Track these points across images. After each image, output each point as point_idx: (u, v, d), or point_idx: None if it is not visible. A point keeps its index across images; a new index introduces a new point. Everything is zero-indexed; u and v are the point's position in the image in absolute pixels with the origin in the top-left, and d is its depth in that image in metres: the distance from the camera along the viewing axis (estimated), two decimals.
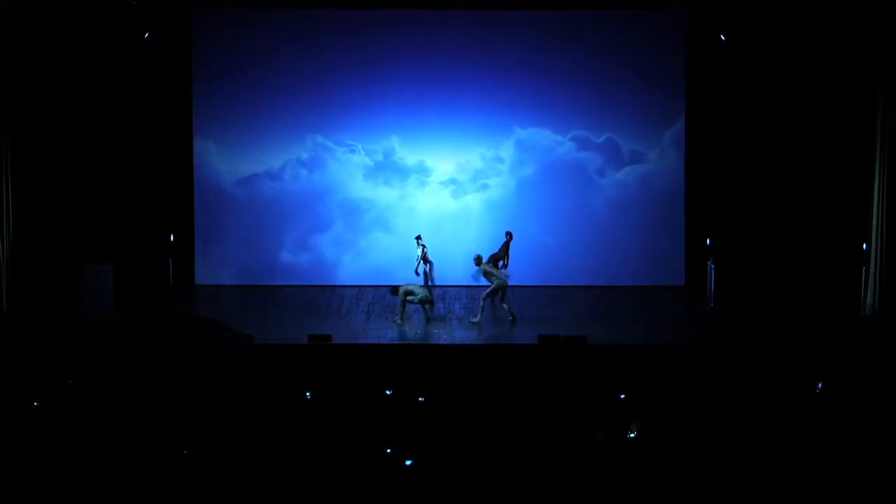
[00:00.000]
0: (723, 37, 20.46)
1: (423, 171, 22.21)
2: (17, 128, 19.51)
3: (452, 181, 22.27)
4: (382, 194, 22.23)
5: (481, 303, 18.70)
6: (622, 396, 12.31)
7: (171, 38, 21.09)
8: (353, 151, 22.21)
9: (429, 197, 22.24)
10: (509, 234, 19.78)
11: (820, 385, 12.79)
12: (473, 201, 22.24)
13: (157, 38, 20.56)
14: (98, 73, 20.74)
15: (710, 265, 20.33)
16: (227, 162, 21.97)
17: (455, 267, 21.84)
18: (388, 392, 12.53)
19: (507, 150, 22.12)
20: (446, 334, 17.84)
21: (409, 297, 18.44)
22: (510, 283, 18.91)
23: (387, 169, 22.22)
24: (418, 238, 20.05)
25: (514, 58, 21.73)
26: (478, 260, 18.87)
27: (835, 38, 19.87)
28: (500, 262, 19.31)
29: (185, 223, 21.82)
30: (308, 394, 12.53)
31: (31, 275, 19.74)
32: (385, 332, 18.01)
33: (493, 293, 18.64)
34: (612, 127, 21.95)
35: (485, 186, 22.21)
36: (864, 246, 19.42)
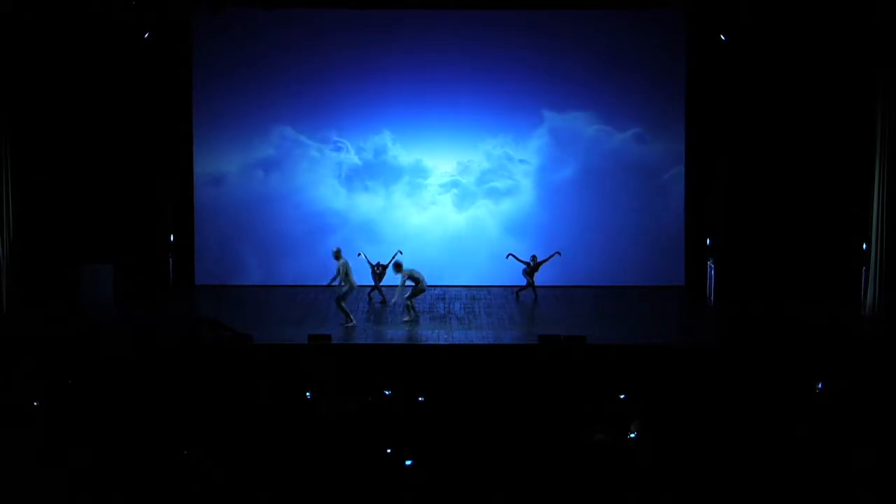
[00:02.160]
0: (723, 37, 20.47)
1: (420, 171, 22.16)
2: (16, 128, 19.51)
3: (455, 184, 22.21)
4: (366, 201, 22.18)
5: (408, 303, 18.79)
6: (622, 396, 12.31)
7: (172, 39, 21.09)
8: (339, 150, 22.13)
9: (427, 203, 22.20)
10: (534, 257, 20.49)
11: (820, 385, 12.79)
12: (481, 208, 22.17)
13: (157, 38, 20.58)
14: (98, 73, 20.74)
15: (710, 265, 20.33)
16: (226, 161, 21.99)
17: (455, 267, 21.87)
18: (386, 392, 12.51)
19: (507, 149, 22.12)
20: (446, 334, 17.84)
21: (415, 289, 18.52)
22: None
23: (376, 168, 22.17)
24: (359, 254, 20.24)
25: (512, 56, 21.73)
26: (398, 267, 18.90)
27: (835, 38, 19.87)
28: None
29: (185, 223, 21.82)
30: (308, 394, 12.53)
31: (32, 274, 19.76)
32: (385, 332, 18.02)
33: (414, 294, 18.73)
34: (610, 127, 21.95)
35: (493, 191, 22.15)
36: (864, 246, 19.43)
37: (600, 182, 22.02)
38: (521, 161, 22.12)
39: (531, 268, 20.43)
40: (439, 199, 22.23)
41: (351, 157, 22.14)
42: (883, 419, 11.38)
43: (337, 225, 22.08)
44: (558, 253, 20.60)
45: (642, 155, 21.96)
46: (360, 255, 20.21)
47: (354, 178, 22.13)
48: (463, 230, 22.18)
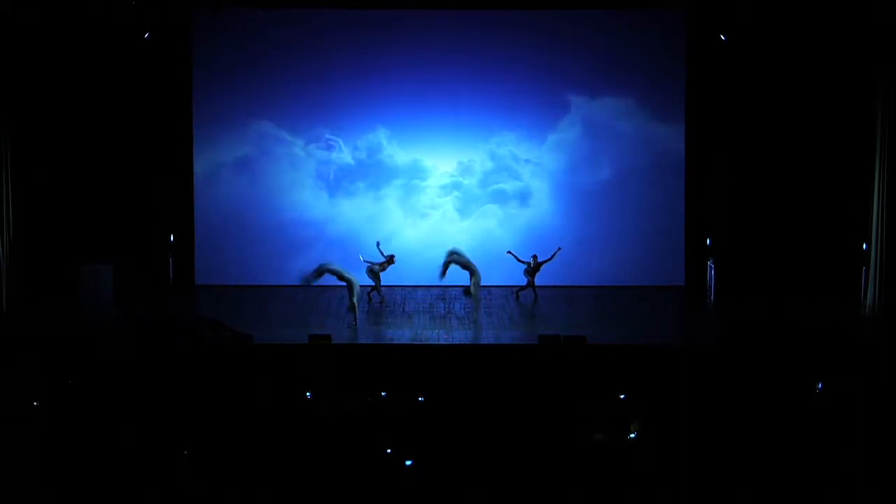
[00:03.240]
0: (723, 37, 20.47)
1: (418, 171, 22.13)
2: (16, 128, 19.52)
3: (456, 185, 22.13)
4: (364, 202, 22.13)
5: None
6: (622, 396, 12.32)
7: (172, 39, 21.08)
8: (333, 149, 22.09)
9: (426, 207, 22.16)
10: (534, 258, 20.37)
11: (820, 385, 12.79)
12: (489, 216, 22.01)
13: (157, 38, 20.58)
14: (98, 73, 20.74)
15: (710, 265, 20.33)
16: (226, 161, 21.97)
17: (455, 267, 21.82)
18: (382, 394, 12.51)
19: (508, 149, 22.09)
20: (446, 334, 17.84)
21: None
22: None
23: (377, 169, 22.12)
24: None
25: (512, 56, 21.65)
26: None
27: (835, 38, 19.87)
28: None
29: (185, 223, 21.81)
30: (308, 394, 12.54)
31: (32, 274, 19.77)
32: (385, 332, 18.02)
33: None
34: (610, 126, 21.91)
35: (499, 193, 22.08)
36: (864, 246, 19.43)
37: (600, 181, 21.99)
38: (527, 161, 22.01)
39: (531, 268, 20.40)
40: (439, 202, 22.16)
41: (345, 157, 22.07)
42: (883, 419, 11.39)
43: (339, 225, 22.01)
44: (559, 249, 20.50)
45: (642, 154, 21.92)
46: (360, 258, 20.16)
47: (348, 178, 22.06)
48: (466, 236, 22.03)
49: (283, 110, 21.91)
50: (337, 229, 21.97)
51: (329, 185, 22.05)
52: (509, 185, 22.10)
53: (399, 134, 22.01)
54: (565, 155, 22.01)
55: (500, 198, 22.08)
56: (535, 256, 20.45)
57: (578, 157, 22.02)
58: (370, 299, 20.31)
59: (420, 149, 22.03)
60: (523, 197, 22.07)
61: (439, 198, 22.15)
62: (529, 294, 20.46)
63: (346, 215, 22.05)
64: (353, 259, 20.24)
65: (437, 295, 20.88)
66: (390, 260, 20.13)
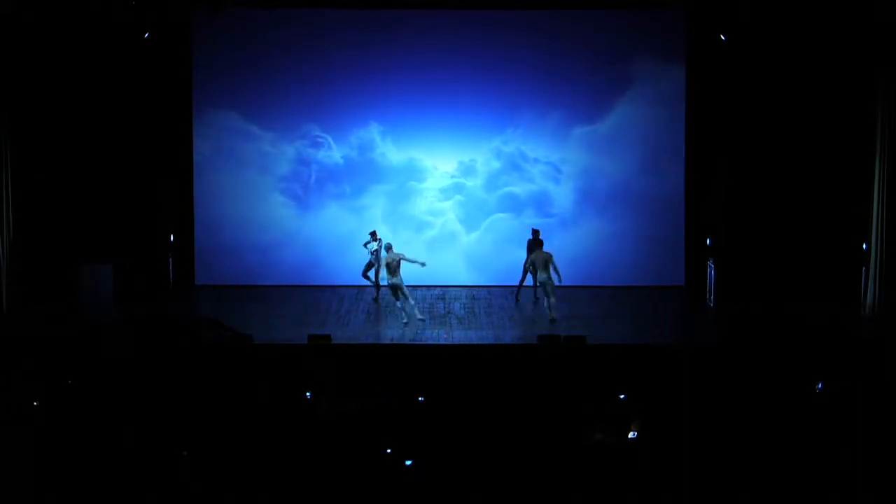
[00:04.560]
0: (723, 37, 20.47)
1: (418, 171, 22.11)
2: (16, 128, 19.51)
3: (457, 188, 22.08)
4: (365, 203, 22.18)
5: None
6: (622, 396, 12.31)
7: (172, 39, 21.08)
8: (317, 146, 22.04)
9: (425, 213, 22.13)
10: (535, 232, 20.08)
11: (820, 385, 12.79)
12: (492, 224, 22.05)
13: (157, 38, 20.58)
14: (98, 73, 20.74)
15: (710, 265, 20.33)
16: (226, 161, 21.97)
17: (455, 267, 21.84)
18: (389, 402, 12.49)
19: (504, 149, 22.09)
20: (446, 334, 17.84)
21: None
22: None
23: (380, 170, 22.09)
24: (373, 234, 20.01)
25: (513, 56, 21.64)
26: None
27: (835, 38, 19.87)
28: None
29: (185, 223, 21.81)
30: (308, 394, 12.53)
31: (32, 274, 19.77)
32: (385, 332, 18.01)
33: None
34: (609, 126, 21.91)
35: (511, 196, 22.03)
36: (864, 246, 19.43)
37: (599, 182, 21.98)
38: (536, 160, 21.95)
39: (532, 244, 19.98)
40: (439, 206, 22.08)
41: (336, 155, 22.04)
42: (883, 419, 11.39)
43: (340, 225, 22.01)
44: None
45: (642, 155, 21.92)
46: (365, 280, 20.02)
47: (341, 178, 22.04)
48: (473, 244, 22.02)
49: (284, 110, 21.91)
50: (338, 229, 21.95)
51: (326, 185, 22.01)
52: (517, 188, 22.03)
53: (398, 133, 21.97)
54: (564, 155, 21.99)
55: (507, 201, 21.98)
56: (536, 231, 20.14)
57: (577, 157, 22.00)
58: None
59: (420, 150, 21.98)
60: (526, 198, 22.02)
61: (440, 202, 22.09)
62: (529, 294, 20.42)
63: (346, 215, 22.01)
64: (352, 257, 20.27)
65: (437, 295, 20.88)
66: (373, 236, 19.99)
